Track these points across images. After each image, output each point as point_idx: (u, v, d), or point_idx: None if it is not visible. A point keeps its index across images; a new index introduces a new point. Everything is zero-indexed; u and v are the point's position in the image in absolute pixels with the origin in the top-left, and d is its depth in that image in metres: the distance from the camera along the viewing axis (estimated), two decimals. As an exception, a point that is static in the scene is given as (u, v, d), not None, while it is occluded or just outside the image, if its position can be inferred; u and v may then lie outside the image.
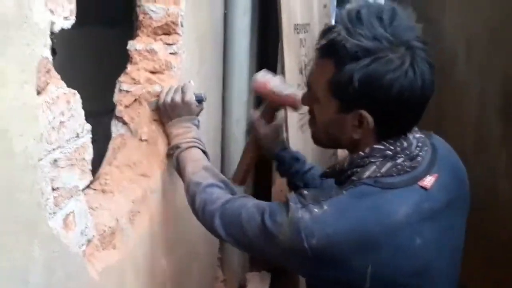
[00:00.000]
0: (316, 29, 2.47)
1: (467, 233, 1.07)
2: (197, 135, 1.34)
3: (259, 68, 2.54)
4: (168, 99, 1.35)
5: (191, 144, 1.31)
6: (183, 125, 1.35)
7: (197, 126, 1.38)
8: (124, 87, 1.41)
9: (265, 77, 1.35)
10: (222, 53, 2.19)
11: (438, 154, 1.02)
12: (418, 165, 0.97)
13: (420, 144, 1.00)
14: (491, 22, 1.80)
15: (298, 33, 2.11)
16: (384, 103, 0.92)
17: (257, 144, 1.44)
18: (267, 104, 1.41)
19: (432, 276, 0.98)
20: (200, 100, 1.39)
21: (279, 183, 2.36)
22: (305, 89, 1.11)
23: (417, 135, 1.02)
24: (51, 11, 0.78)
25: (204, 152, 1.32)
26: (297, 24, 2.10)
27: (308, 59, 2.29)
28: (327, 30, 0.96)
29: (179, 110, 1.35)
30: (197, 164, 1.26)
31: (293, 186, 1.43)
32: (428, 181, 0.96)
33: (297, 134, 2.08)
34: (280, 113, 1.50)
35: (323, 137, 1.07)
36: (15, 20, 0.68)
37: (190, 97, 1.35)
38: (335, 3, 3.47)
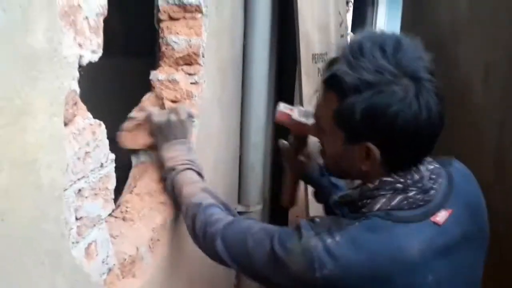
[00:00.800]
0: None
1: (485, 265, 1.04)
2: (192, 157, 1.31)
3: (276, 96, 2.58)
4: (163, 120, 1.32)
5: (186, 166, 1.27)
6: (177, 148, 1.31)
7: (191, 148, 1.34)
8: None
9: (287, 109, 1.36)
10: (241, 81, 2.22)
11: (454, 186, 1.00)
12: (431, 199, 0.95)
13: (433, 176, 0.98)
14: (511, 46, 1.79)
15: (316, 62, 2.14)
16: (389, 136, 0.90)
17: (293, 171, 1.44)
18: (294, 137, 1.41)
19: None
20: (191, 116, 1.37)
21: (294, 210, 2.35)
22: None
23: (430, 167, 1.00)
24: (80, 45, 0.81)
25: (199, 174, 1.29)
26: (315, 54, 2.13)
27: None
28: (330, 63, 0.95)
29: (174, 130, 1.31)
30: (195, 186, 1.22)
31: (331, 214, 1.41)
32: (442, 216, 0.94)
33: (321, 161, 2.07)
34: (311, 139, 1.49)
35: (333, 168, 1.07)
36: (45, 54, 0.71)
37: (185, 117, 1.33)
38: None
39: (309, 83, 2.05)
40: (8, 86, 0.63)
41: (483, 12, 2.02)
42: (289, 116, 1.33)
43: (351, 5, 9.27)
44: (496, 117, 1.86)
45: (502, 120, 1.82)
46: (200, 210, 1.14)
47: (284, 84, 2.65)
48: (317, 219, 0.96)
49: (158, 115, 1.34)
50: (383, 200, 0.94)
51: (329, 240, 0.90)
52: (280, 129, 1.50)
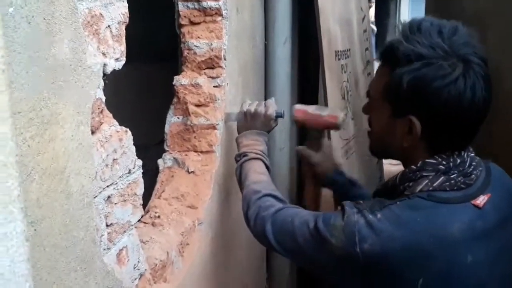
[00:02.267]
0: (357, 54, 2.46)
1: None
2: (265, 150, 1.37)
3: (300, 95, 2.56)
4: (252, 109, 1.41)
5: (258, 156, 1.33)
6: (254, 138, 1.38)
7: (267, 143, 1.41)
8: (173, 120, 1.45)
9: (302, 106, 1.43)
10: (264, 81, 2.21)
11: (492, 175, 1.01)
12: (472, 182, 0.96)
13: (474, 163, 0.99)
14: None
15: (339, 59, 2.11)
16: (431, 110, 0.92)
17: (313, 174, 1.46)
18: (310, 134, 1.46)
19: None
20: (278, 116, 1.44)
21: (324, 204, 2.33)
22: (344, 111, 1.12)
23: (472, 155, 1.01)
24: (103, 54, 0.82)
25: (267, 167, 1.34)
26: (338, 51, 2.10)
27: (350, 85, 2.28)
28: (390, 40, 0.99)
29: (257, 122, 1.41)
30: (260, 176, 1.28)
31: None
32: (482, 200, 0.95)
33: (342, 159, 2.05)
34: (326, 141, 1.51)
35: (377, 145, 1.09)
36: (70, 64, 0.72)
37: (272, 112, 1.42)
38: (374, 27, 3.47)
39: (333, 80, 2.03)
40: (35, 98, 0.64)
41: (509, 2, 1.96)
42: (305, 111, 1.40)
43: (373, 0, 9.20)
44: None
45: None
46: (258, 196, 1.19)
47: (307, 83, 2.63)
48: (361, 201, 0.98)
49: (248, 105, 1.44)
50: (426, 181, 0.95)
51: (370, 216, 0.92)
52: (304, 132, 1.53)
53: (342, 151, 2.09)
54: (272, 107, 1.43)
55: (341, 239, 0.93)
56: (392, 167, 3.74)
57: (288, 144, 2.36)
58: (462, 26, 0.95)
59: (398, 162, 1.08)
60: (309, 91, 2.60)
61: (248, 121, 1.42)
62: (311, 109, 1.42)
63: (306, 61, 2.56)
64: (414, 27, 0.94)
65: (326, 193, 1.58)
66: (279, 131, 2.32)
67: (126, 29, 0.89)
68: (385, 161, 3.20)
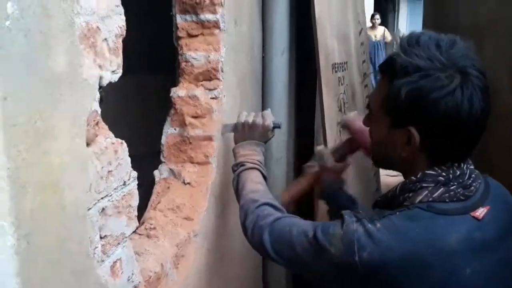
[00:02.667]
0: (354, 67, 2.48)
1: None
2: (262, 160, 1.38)
3: (297, 106, 2.57)
4: (250, 120, 1.43)
5: (255, 166, 1.34)
6: (252, 148, 1.39)
7: (264, 154, 1.42)
8: (169, 131, 1.45)
9: (356, 116, 1.42)
10: (261, 93, 2.22)
11: (491, 188, 1.02)
12: (472, 194, 0.97)
13: (473, 176, 1.00)
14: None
15: (336, 71, 2.12)
16: (430, 121, 0.93)
17: (317, 177, 1.47)
18: (344, 143, 1.47)
19: None
20: (276, 127, 1.46)
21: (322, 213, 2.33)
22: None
23: (471, 167, 1.01)
24: (100, 67, 0.82)
25: (264, 177, 1.34)
26: (335, 63, 2.12)
27: (346, 97, 2.29)
28: (389, 54, 1.01)
29: (255, 133, 1.42)
30: (257, 185, 1.28)
31: None
32: (481, 212, 0.95)
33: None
34: (349, 158, 1.51)
35: (378, 156, 1.10)
36: (66, 77, 0.72)
37: (269, 123, 1.43)
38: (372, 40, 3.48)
39: (330, 93, 2.04)
40: (30, 110, 0.65)
41: (505, 15, 1.98)
42: (355, 122, 1.39)
43: (378, 17, 9.27)
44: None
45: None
46: (255, 205, 1.19)
47: (305, 95, 2.64)
48: (361, 211, 0.99)
49: (246, 115, 1.45)
50: (425, 192, 0.96)
51: (369, 225, 0.92)
52: (302, 144, 1.53)
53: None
54: (269, 117, 1.44)
55: (340, 248, 0.93)
56: (389, 178, 3.75)
57: (284, 155, 2.36)
58: (460, 39, 0.96)
59: (396, 173, 1.08)
60: (306, 102, 2.61)
61: (246, 132, 1.42)
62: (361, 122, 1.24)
63: (304, 73, 2.57)
64: (412, 40, 0.95)
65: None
66: (276, 142, 2.33)
67: (124, 40, 0.90)
68: (382, 173, 3.20)
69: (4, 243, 0.56)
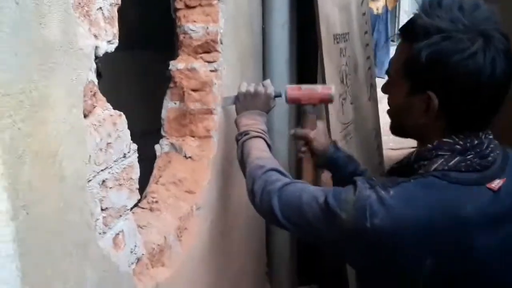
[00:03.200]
0: (356, 38, 2.44)
1: None
2: (266, 130, 1.37)
3: (299, 80, 2.54)
4: (252, 89, 1.43)
5: (259, 134, 1.33)
6: (254, 117, 1.38)
7: (266, 124, 1.41)
8: (170, 105, 1.44)
9: (295, 85, 1.48)
10: (262, 66, 2.19)
11: (509, 160, 0.99)
12: (489, 165, 0.94)
13: (492, 146, 0.97)
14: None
15: (338, 42, 2.09)
16: (449, 85, 0.90)
17: (311, 154, 1.45)
18: (304, 113, 1.47)
19: (491, 284, 0.94)
20: (277, 96, 1.46)
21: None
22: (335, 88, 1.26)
23: (490, 137, 0.98)
24: (95, 36, 0.81)
25: (269, 146, 1.33)
26: (337, 34, 2.08)
27: (348, 68, 2.26)
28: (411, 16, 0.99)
29: (257, 102, 1.42)
30: (262, 152, 1.28)
31: None
32: (497, 184, 0.93)
33: (340, 144, 2.04)
34: (320, 119, 1.52)
35: (396, 123, 1.07)
36: (60, 46, 0.71)
37: (271, 91, 1.44)
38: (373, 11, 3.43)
39: (331, 64, 2.01)
40: (25, 79, 0.63)
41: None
42: (298, 87, 1.45)
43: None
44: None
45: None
46: (263, 171, 1.17)
47: (306, 68, 2.61)
48: (373, 178, 0.97)
49: (247, 86, 1.45)
50: (441, 160, 0.94)
51: (383, 192, 0.91)
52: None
53: (341, 135, 2.08)
54: (270, 86, 1.44)
55: (352, 213, 0.92)
56: (391, 152, 3.74)
57: (286, 128, 2.35)
58: (483, 2, 0.93)
59: (399, 147, 1.06)
60: (307, 76, 2.58)
61: (248, 101, 1.42)
62: (303, 86, 1.47)
63: (305, 45, 2.54)
64: (434, 2, 0.92)
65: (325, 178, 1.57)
66: (277, 115, 2.31)
67: (123, 16, 0.88)
68: (385, 146, 3.19)
69: None
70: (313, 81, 2.52)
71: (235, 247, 1.78)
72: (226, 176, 1.61)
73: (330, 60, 1.98)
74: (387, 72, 1.07)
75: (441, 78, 0.91)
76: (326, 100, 1.50)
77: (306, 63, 2.56)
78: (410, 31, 0.95)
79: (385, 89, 1.09)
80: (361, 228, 0.90)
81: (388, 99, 1.07)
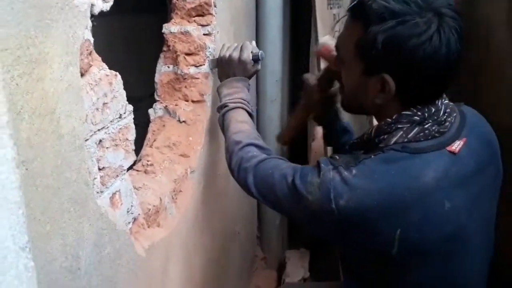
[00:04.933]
0: (349, 3, 2.42)
1: (502, 210, 1.04)
2: (246, 97, 1.33)
3: (292, 48, 2.53)
4: (227, 55, 1.36)
5: (238, 105, 1.30)
6: (234, 85, 1.33)
7: (248, 88, 1.36)
8: (163, 69, 1.43)
9: (330, 42, 1.30)
10: (255, 33, 2.18)
11: (467, 120, 1.01)
12: (446, 130, 0.97)
13: (448, 110, 0.99)
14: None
15: (331, 8, 2.08)
16: (406, 68, 0.91)
17: (309, 108, 1.41)
18: (326, 71, 1.35)
19: (464, 242, 0.97)
20: (256, 60, 1.37)
21: (314, 156, 2.35)
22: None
23: (445, 101, 1.00)
24: (90, -6, 0.80)
25: (250, 114, 1.31)
26: None
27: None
28: None
29: (234, 68, 1.35)
30: (241, 125, 1.26)
31: None
32: (457, 145, 0.95)
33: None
34: (336, 83, 1.44)
35: (349, 102, 1.08)
36: (56, 3, 0.70)
37: (247, 55, 1.35)
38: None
39: (325, 30, 2.00)
40: (21, 35, 0.63)
41: None
42: (331, 50, 1.26)
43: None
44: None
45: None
46: (239, 147, 1.17)
47: (300, 34, 2.60)
48: (337, 156, 0.98)
49: (225, 49, 1.38)
50: (400, 133, 0.96)
51: (345, 173, 0.93)
52: (298, 83, 1.47)
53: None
54: (247, 50, 1.36)
55: (317, 196, 0.93)
56: (383, 120, 3.76)
57: (280, 96, 2.35)
58: None
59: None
60: (301, 42, 2.57)
61: (225, 68, 1.37)
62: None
63: (298, 12, 2.52)
64: None
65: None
66: (270, 83, 2.32)
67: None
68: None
69: (4, 155, 0.55)
70: (307, 47, 2.52)
71: (227, 211, 1.81)
72: (219, 141, 1.62)
73: (324, 25, 1.97)
74: (336, 47, 1.05)
75: (397, 63, 0.91)
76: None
77: (300, 30, 2.54)
78: (362, 12, 0.93)
79: (337, 66, 1.08)
80: (327, 209, 0.92)
81: (339, 76, 1.06)
